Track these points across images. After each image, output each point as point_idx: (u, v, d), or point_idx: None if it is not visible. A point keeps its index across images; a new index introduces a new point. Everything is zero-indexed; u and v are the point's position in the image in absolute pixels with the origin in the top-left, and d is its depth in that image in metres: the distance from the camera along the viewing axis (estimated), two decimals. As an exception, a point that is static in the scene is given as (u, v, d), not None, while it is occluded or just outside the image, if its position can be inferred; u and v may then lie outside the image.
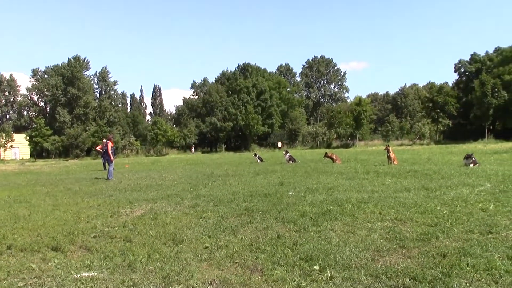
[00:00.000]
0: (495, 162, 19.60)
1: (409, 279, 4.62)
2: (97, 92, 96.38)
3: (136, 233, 7.48)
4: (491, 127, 63.90)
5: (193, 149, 78.65)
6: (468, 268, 4.82)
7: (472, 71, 68.35)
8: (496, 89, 59.86)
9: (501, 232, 6.31)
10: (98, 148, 31.49)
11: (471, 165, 17.32)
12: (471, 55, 70.16)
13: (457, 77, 74.15)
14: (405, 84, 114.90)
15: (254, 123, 79.83)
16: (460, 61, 71.50)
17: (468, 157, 18.02)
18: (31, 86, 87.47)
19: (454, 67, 72.34)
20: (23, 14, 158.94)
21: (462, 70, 71.63)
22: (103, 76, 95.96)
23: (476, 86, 61.65)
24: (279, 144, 76.29)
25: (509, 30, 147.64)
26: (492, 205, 8.30)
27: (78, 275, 5.27)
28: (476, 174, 14.14)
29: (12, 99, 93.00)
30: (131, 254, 6.05)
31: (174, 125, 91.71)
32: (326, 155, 25.84)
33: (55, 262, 5.90)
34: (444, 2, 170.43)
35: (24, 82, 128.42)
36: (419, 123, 69.95)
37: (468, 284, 4.42)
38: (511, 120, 60.27)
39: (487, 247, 5.58)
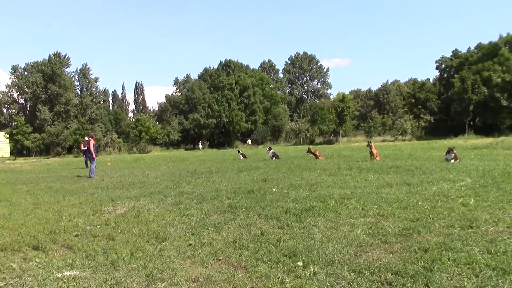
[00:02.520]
0: (476, 157, 19.86)
1: (392, 274, 4.67)
2: (78, 89, 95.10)
3: (119, 231, 7.44)
4: (471, 123, 64.70)
5: (200, 145, 76.07)
6: (449, 263, 4.89)
7: (454, 67, 68.96)
8: (476, 85, 60.62)
9: (481, 227, 6.42)
10: (82, 147, 31.12)
11: (452, 160, 17.50)
12: (453, 51, 70.67)
13: (438, 73, 74.80)
14: (387, 81, 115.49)
15: (238, 120, 79.68)
16: (442, 57, 72.14)
17: (449, 151, 18.19)
18: (11, 83, 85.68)
19: (436, 63, 73.00)
20: (0, 10, 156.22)
21: (443, 66, 72.26)
22: (84, 72, 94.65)
23: (457, 82, 62.36)
24: (249, 141, 76.04)
25: (489, 27, 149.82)
26: (472, 200, 8.43)
27: (60, 274, 5.23)
28: (456, 169, 14.33)
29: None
30: (113, 253, 6.01)
31: (157, 122, 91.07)
32: (309, 151, 25.94)
33: (36, 261, 5.84)
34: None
35: (3, 79, 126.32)
36: (401, 119, 70.47)
37: (449, 278, 4.48)
38: (491, 115, 61.14)
39: (467, 241, 5.67)
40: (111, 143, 70.50)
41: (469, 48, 69.72)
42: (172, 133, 78.00)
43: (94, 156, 20.74)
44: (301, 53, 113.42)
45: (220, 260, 5.54)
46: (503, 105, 59.26)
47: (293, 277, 4.81)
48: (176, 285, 4.78)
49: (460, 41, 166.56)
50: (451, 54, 71.08)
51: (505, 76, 58.89)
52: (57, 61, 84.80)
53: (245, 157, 30.33)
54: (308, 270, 4.94)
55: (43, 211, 9.97)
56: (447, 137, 55.28)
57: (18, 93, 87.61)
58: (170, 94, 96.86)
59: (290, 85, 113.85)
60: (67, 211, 9.81)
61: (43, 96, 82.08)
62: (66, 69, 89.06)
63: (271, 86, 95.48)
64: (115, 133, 75.42)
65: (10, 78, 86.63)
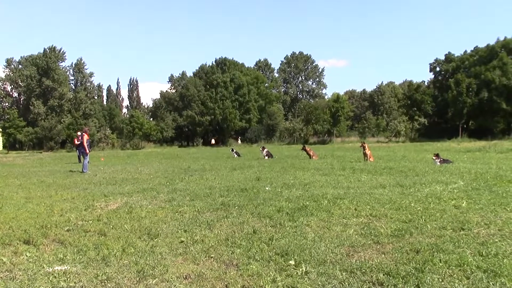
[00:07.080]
0: (468, 160, 19.97)
1: (383, 275, 4.68)
2: (72, 83, 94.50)
3: (111, 227, 7.41)
4: (465, 126, 65.00)
5: (239, 141, 75.61)
6: (440, 264, 4.90)
7: (448, 70, 69.14)
8: (470, 89, 60.86)
9: (473, 229, 6.44)
10: (75, 141, 30.83)
11: (438, 162, 17.79)
12: (446, 54, 70.89)
13: (433, 76, 75.06)
14: (382, 82, 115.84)
15: (232, 118, 79.62)
16: (436, 60, 72.33)
17: (435, 155, 18.68)
18: (5, 76, 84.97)
19: (429, 66, 73.17)
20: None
21: (438, 69, 72.49)
22: (79, 67, 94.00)
23: (451, 85, 62.55)
24: (213, 141, 76.09)
25: (486, 30, 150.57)
26: (464, 202, 8.46)
27: (51, 269, 5.19)
28: (449, 171, 14.39)
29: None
30: (105, 248, 5.99)
31: (151, 119, 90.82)
32: (304, 148, 26.15)
33: (27, 256, 5.80)
34: (423, 1, 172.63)
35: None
36: (395, 120, 70.70)
37: (440, 280, 4.49)
38: (485, 119, 61.38)
39: (459, 243, 5.69)
40: (105, 138, 70.19)
41: (465, 51, 70.10)
42: (166, 129, 77.85)
43: (87, 151, 20.66)
44: (297, 53, 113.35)
45: (212, 257, 5.53)
46: (497, 109, 59.39)
47: (285, 275, 4.81)
48: (167, 282, 4.76)
49: (454, 43, 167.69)
50: (444, 57, 71.30)
51: (502, 80, 59.07)
52: (52, 55, 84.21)
53: (239, 155, 30.34)
54: (300, 269, 4.94)
55: (34, 205, 9.91)
56: (441, 139, 55.45)
57: (12, 86, 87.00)
58: (164, 91, 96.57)
59: (285, 84, 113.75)
60: (59, 206, 9.76)
61: (37, 90, 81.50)
62: (61, 64, 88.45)
63: (266, 85, 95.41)
64: (108, 129, 75.07)
65: (4, 72, 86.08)
